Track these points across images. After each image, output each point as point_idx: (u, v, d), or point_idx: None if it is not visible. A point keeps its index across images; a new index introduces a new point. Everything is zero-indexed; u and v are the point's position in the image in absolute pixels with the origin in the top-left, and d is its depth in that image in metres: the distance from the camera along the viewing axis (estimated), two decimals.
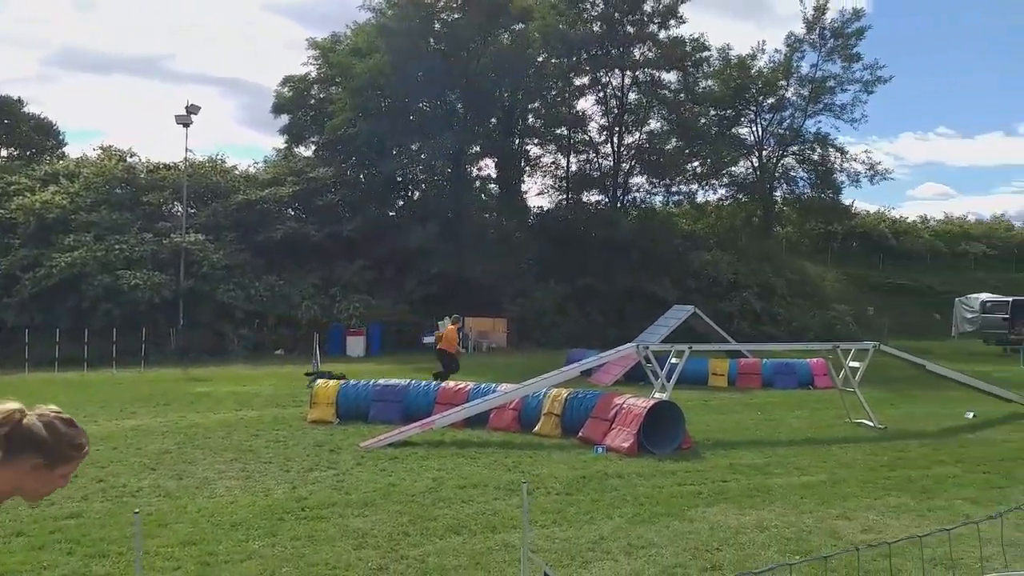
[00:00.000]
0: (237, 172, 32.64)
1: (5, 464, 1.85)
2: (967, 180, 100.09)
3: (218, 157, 32.87)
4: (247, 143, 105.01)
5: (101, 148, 31.92)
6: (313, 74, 35.35)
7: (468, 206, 32.46)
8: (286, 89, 35.13)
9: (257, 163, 35.49)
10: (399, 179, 33.79)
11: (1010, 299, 29.88)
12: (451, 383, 11.84)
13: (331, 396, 11.50)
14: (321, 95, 35.10)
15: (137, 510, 4.77)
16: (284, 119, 35.38)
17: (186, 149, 30.23)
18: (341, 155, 32.22)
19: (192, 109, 26.65)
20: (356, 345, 25.32)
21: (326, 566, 5.28)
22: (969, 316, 30.59)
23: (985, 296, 31.56)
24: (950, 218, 52.06)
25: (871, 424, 11.19)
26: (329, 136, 31.92)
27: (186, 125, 26.74)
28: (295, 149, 35.82)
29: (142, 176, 29.98)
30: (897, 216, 50.02)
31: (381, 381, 12.07)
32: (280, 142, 36.57)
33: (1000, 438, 10.47)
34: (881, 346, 12.27)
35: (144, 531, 5.21)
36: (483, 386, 11.39)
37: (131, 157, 31.45)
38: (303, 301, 26.97)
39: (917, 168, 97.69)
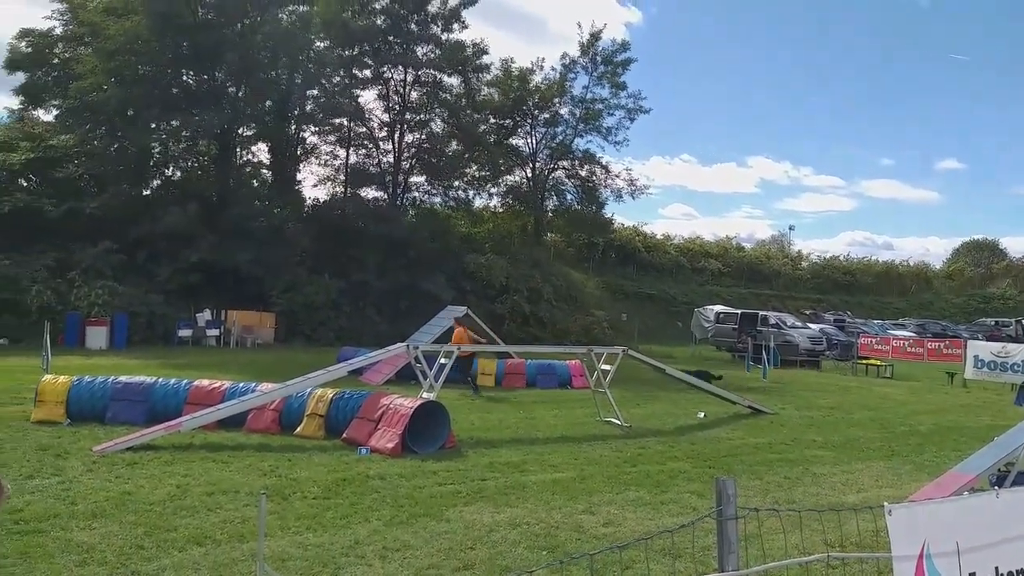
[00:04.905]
0: None
1: None
2: (706, 203, 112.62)
3: None
4: None
5: None
6: (58, 30, 31.34)
7: (235, 191, 30.51)
8: (23, 44, 30.76)
9: None
10: (157, 155, 30.91)
11: (739, 311, 34.03)
12: (206, 381, 11.00)
13: (61, 393, 10.20)
14: (67, 54, 31.13)
15: None
16: (20, 77, 31.03)
17: None
18: (88, 123, 28.77)
19: None
20: (97, 337, 22.76)
21: None
22: (706, 325, 34.15)
23: (719, 308, 35.51)
24: (692, 237, 58.14)
25: (618, 422, 12.11)
26: (75, 100, 28.31)
27: None
28: (33, 112, 31.52)
29: None
30: (649, 232, 54.98)
31: (123, 378, 10.93)
32: (14, 103, 32.00)
33: (724, 436, 11.79)
34: (629, 351, 13.34)
35: None
36: (241, 385, 10.72)
37: None
38: (33, 285, 23.77)
39: (666, 189, 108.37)
